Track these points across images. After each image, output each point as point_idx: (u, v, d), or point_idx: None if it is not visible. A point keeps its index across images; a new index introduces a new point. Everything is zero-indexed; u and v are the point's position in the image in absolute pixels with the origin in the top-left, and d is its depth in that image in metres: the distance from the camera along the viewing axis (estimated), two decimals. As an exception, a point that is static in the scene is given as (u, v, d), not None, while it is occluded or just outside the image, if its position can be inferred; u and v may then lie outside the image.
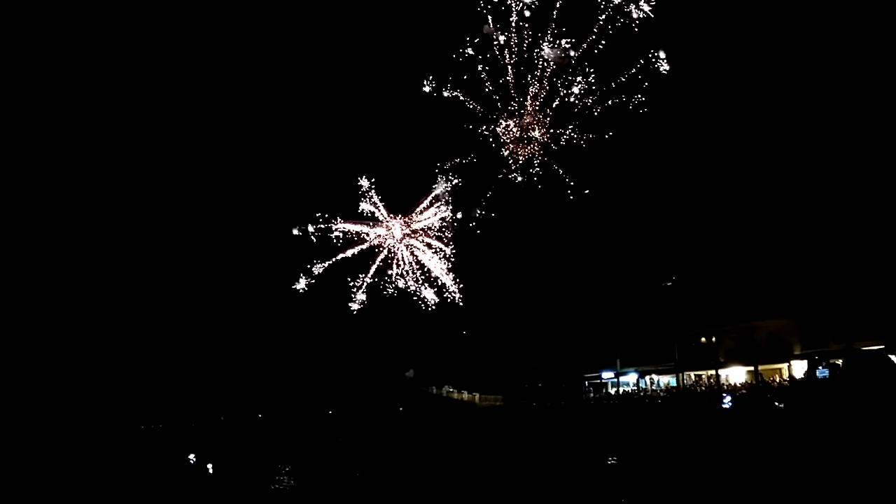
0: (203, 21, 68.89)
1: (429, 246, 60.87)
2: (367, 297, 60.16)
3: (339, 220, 59.15)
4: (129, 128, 69.81)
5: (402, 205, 60.79)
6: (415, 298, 61.00)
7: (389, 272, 60.79)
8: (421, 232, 60.97)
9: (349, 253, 59.86)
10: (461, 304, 60.61)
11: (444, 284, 61.17)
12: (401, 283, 60.80)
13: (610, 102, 50.71)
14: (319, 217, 58.50)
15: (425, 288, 60.76)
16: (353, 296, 59.83)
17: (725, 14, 58.33)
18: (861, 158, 55.97)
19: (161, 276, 70.18)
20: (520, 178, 54.15)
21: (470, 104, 52.98)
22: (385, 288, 60.62)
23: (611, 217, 62.50)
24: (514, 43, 49.68)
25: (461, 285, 61.04)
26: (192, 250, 69.64)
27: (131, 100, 69.83)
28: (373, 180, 59.48)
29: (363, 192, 59.40)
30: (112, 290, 68.17)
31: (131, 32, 67.23)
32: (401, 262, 60.94)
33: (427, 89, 52.96)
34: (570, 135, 52.61)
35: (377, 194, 59.90)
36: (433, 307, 60.71)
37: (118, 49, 66.96)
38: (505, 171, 54.76)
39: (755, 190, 60.35)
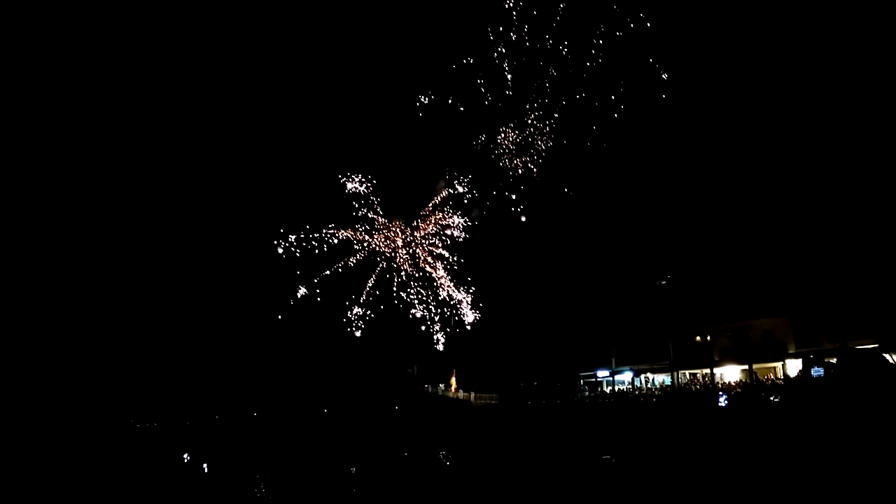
0: (196, 25, 68.34)
1: (430, 254, 60.69)
2: (366, 305, 59.93)
3: (335, 227, 58.75)
4: (133, 122, 69.16)
5: (402, 212, 60.68)
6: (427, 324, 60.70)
7: (393, 279, 60.56)
8: (422, 239, 60.75)
9: (352, 261, 59.55)
10: (475, 321, 60.30)
11: (451, 298, 60.87)
12: (414, 305, 60.51)
13: (610, 109, 50.68)
14: (318, 224, 58.15)
15: (433, 316, 60.39)
16: (350, 310, 59.48)
17: (720, 14, 58.53)
18: (855, 158, 56.24)
19: (157, 274, 69.94)
20: (524, 218, 54.26)
21: (469, 116, 52.97)
22: (385, 299, 60.31)
23: (605, 217, 62.62)
24: (516, 53, 49.68)
25: (472, 299, 60.74)
26: (188, 249, 69.41)
27: (129, 98, 69.22)
28: (371, 182, 58.87)
29: (361, 197, 59.03)
30: (108, 289, 67.91)
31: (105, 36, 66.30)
32: (403, 270, 60.70)
33: (424, 99, 52.75)
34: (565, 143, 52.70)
35: (375, 201, 59.60)
36: (445, 334, 60.51)
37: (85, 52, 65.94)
38: (502, 183, 54.75)
39: (750, 189, 60.61)
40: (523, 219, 54.68)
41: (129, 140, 69.40)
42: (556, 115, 52.16)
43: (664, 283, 62.91)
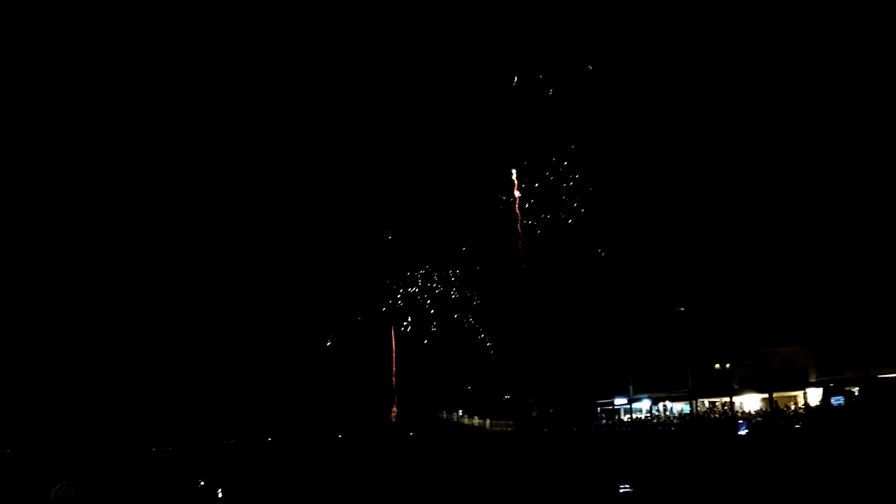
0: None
1: (454, 293, 61.22)
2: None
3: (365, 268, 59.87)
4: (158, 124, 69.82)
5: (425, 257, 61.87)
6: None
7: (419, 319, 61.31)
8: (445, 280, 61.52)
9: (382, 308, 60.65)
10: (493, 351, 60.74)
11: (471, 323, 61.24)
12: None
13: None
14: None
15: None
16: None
17: (736, 21, 58.24)
18: (878, 185, 55.62)
19: (174, 293, 70.32)
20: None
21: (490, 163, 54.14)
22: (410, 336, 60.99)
23: (624, 242, 62.46)
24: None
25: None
26: (210, 267, 69.83)
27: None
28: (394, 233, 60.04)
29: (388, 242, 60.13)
30: (123, 307, 68.35)
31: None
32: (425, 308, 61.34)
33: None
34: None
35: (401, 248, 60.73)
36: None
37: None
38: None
39: (771, 215, 60.08)
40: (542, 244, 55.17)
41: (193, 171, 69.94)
42: (575, 147, 52.74)
43: (683, 310, 62.30)
